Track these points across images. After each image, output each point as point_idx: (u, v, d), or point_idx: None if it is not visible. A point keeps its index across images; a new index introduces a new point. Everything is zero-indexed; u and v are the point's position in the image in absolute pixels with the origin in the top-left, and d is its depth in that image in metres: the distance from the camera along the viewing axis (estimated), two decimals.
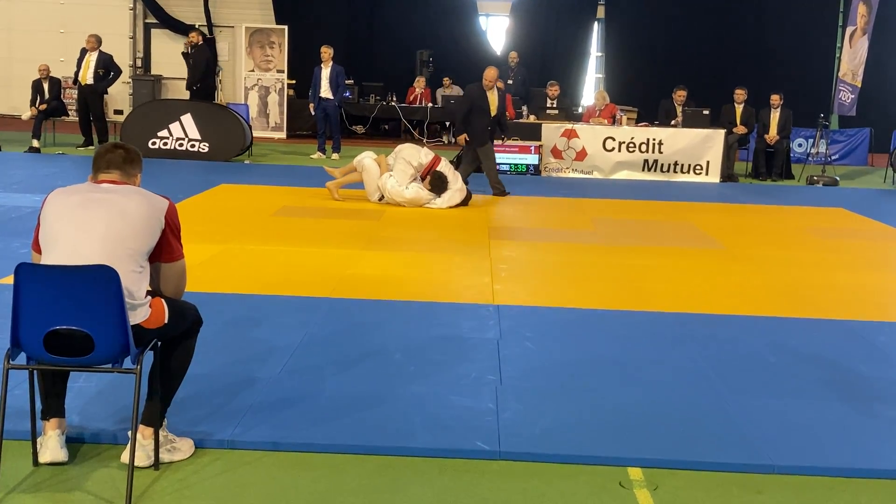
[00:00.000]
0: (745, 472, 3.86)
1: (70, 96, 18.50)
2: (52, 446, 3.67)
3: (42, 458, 3.67)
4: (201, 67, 15.77)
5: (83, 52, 15.58)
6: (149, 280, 3.62)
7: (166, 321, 3.61)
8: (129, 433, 3.58)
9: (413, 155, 10.52)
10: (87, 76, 15.35)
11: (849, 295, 7.04)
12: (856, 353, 5.51)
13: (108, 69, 15.43)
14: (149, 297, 3.58)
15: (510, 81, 17.77)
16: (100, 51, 15.53)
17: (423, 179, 10.52)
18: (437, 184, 10.43)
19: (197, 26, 20.63)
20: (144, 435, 3.67)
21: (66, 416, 3.82)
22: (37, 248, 3.65)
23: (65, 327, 3.32)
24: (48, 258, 3.48)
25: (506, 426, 4.17)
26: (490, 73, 11.70)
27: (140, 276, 3.54)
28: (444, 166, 10.61)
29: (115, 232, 3.48)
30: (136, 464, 3.54)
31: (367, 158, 10.70)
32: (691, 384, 4.86)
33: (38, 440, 3.70)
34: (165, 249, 3.66)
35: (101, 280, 3.28)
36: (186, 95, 19.47)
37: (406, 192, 10.38)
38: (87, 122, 15.48)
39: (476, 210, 10.40)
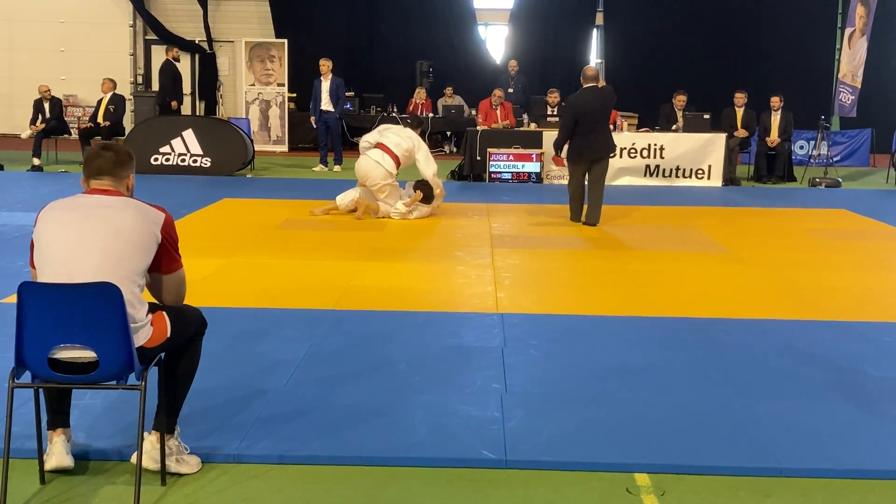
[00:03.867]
0: (752, 475, 3.85)
1: (72, 114, 18.56)
2: (57, 451, 3.68)
3: (48, 465, 3.68)
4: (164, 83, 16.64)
5: (100, 101, 15.74)
6: (145, 299, 3.57)
7: (169, 335, 3.60)
8: (147, 435, 3.61)
9: (400, 135, 10.44)
10: (102, 116, 15.49)
11: (853, 296, 7.03)
12: (861, 354, 5.50)
13: (117, 105, 15.52)
14: (149, 316, 3.55)
15: (510, 90, 17.81)
16: (114, 93, 15.64)
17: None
18: (426, 191, 10.44)
19: (196, 41, 20.75)
20: (152, 441, 3.67)
21: (73, 433, 3.83)
22: (34, 265, 3.61)
23: (68, 352, 3.33)
24: (44, 279, 3.45)
25: (512, 434, 4.16)
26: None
27: (139, 296, 3.51)
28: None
29: (111, 252, 3.43)
30: (143, 466, 3.55)
31: (346, 198, 10.58)
32: (697, 388, 4.85)
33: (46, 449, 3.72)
34: (164, 261, 3.62)
35: (104, 297, 3.28)
36: (187, 111, 19.64)
37: (396, 214, 10.36)
38: (90, 144, 15.56)
39: (478, 219, 10.40)
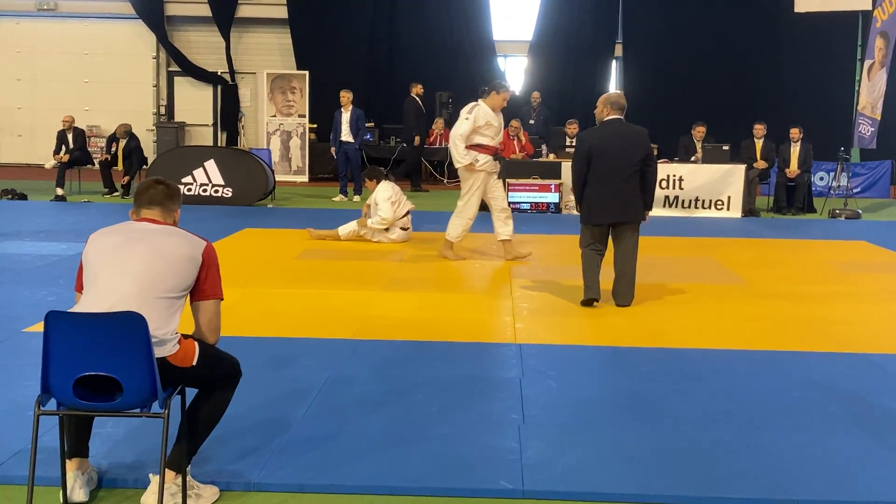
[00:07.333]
0: None
1: (95, 145, 18.77)
2: (70, 486, 3.73)
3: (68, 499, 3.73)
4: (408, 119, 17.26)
5: (115, 138, 15.99)
6: (179, 318, 3.65)
7: (194, 363, 3.64)
8: (153, 476, 3.63)
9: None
10: (120, 163, 15.93)
11: (872, 328, 7.01)
12: (881, 387, 5.49)
13: (132, 156, 15.80)
14: (178, 335, 3.62)
15: (532, 121, 17.92)
16: (130, 137, 15.86)
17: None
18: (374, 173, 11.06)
19: (219, 73, 20.94)
20: (167, 479, 3.70)
21: (95, 461, 3.87)
22: (80, 288, 3.72)
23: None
24: (87, 297, 3.57)
25: (529, 465, 4.18)
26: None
27: (171, 314, 3.60)
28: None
29: (151, 271, 3.57)
30: None
31: (346, 229, 10.95)
32: (715, 420, 4.86)
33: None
34: (201, 286, 3.78)
35: (130, 326, 3.33)
36: (209, 141, 19.71)
37: (381, 213, 10.72)
38: (110, 174, 15.77)
39: (497, 250, 10.44)
